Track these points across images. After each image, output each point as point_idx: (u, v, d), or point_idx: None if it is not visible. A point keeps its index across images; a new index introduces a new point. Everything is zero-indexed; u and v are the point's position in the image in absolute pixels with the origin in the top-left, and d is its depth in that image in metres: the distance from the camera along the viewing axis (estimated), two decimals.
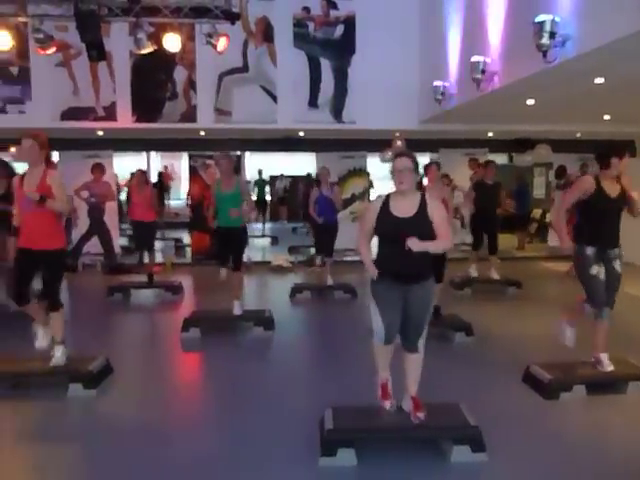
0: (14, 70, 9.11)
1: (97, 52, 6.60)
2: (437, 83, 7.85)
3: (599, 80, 5.75)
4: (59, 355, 4.33)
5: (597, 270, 4.08)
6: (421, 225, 3.13)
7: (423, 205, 3.19)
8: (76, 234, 9.41)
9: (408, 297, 3.21)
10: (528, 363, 4.41)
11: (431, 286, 3.31)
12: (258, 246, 12.44)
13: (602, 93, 6.38)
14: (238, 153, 11.74)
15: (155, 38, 7.18)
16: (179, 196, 16.44)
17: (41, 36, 6.76)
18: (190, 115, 9.42)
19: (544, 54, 4.98)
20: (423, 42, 9.18)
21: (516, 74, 5.92)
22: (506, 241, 10.56)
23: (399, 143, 9.94)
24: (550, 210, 11.39)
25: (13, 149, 10.16)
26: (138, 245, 8.00)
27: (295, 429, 3.60)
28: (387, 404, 3.30)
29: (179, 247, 12.13)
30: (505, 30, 6.18)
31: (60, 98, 9.13)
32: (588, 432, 3.65)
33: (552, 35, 4.84)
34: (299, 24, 9.38)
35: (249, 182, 13.82)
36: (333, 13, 9.39)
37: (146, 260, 7.94)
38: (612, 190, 4.09)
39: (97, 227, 9.11)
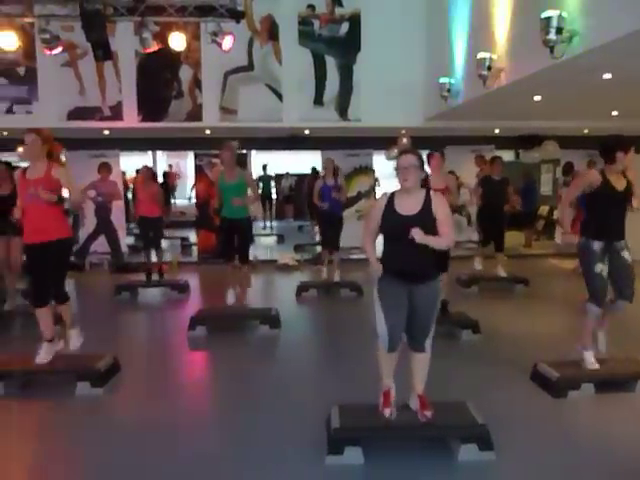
0: (21, 70, 9.16)
1: (103, 52, 6.63)
2: (443, 80, 7.82)
3: (607, 76, 5.71)
4: (75, 337, 4.48)
5: (601, 268, 4.05)
6: (425, 223, 3.10)
7: (427, 202, 3.17)
8: (83, 233, 9.48)
9: (414, 297, 3.18)
10: (536, 361, 4.38)
11: (437, 286, 3.27)
12: (264, 244, 12.46)
13: (610, 89, 6.33)
14: (244, 151, 11.74)
15: (160, 37, 7.21)
16: (185, 195, 16.45)
17: (47, 36, 6.80)
18: (196, 114, 9.43)
19: (551, 50, 4.95)
20: (429, 39, 9.15)
21: (523, 70, 5.88)
22: (513, 238, 10.50)
23: (405, 140, 9.91)
24: (557, 207, 11.32)
25: (20, 149, 10.21)
26: (146, 244, 8.00)
27: (301, 427, 3.59)
28: (388, 412, 3.28)
29: (185, 246, 12.14)
30: (511, 26, 6.14)
31: (66, 98, 9.18)
32: (597, 431, 3.62)
33: (559, 31, 4.82)
34: (304, 22, 9.37)
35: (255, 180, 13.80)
36: (338, 11, 9.38)
37: (154, 259, 7.96)
38: (619, 184, 4.07)
39: (104, 226, 9.15)
